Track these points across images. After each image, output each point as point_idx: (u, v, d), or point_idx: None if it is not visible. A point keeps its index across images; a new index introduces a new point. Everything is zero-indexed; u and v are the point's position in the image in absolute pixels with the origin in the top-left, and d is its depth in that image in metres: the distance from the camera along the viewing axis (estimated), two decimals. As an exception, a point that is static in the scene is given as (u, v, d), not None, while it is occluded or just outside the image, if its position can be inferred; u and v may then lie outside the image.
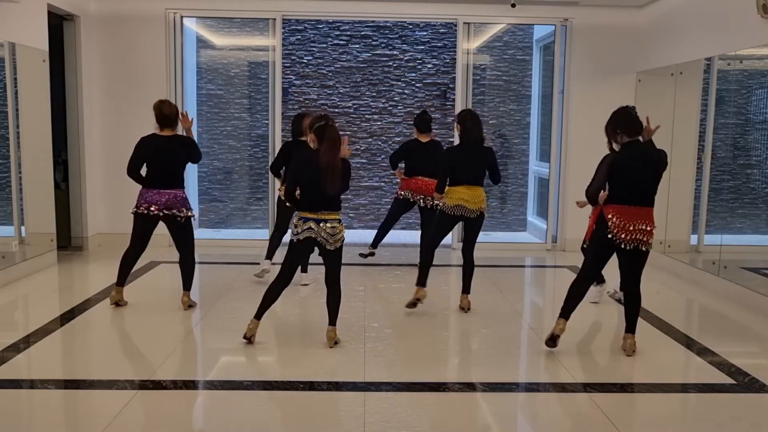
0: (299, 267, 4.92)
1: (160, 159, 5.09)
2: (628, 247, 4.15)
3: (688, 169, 6.91)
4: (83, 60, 7.37)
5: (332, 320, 4.45)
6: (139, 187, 5.17)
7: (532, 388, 3.94)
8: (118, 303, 5.27)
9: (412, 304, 5.22)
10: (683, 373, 4.33)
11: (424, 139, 6.43)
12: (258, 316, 4.44)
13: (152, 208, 5.04)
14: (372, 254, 6.90)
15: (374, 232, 6.94)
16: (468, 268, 5.39)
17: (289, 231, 4.50)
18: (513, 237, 9.04)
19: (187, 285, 5.27)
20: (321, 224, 4.29)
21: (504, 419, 3.59)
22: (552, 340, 4.32)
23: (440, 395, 3.77)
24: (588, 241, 4.79)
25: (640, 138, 4.24)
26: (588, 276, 4.42)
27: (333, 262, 4.43)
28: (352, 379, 3.94)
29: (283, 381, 3.95)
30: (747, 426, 3.52)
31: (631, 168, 4.16)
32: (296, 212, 4.46)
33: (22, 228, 6.42)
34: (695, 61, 6.71)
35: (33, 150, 6.52)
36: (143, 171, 5.18)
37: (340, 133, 4.31)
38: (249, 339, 4.41)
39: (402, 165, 6.59)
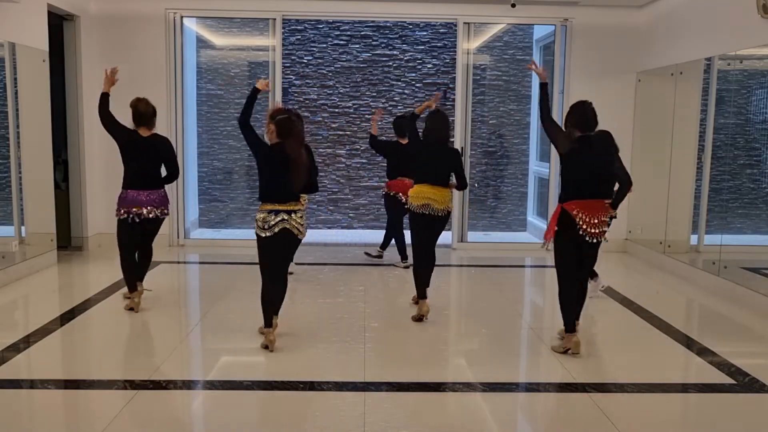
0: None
1: (142, 158, 5.04)
2: (594, 240, 4.24)
3: (688, 169, 6.91)
4: (83, 60, 7.37)
5: (276, 310, 4.44)
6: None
7: (532, 388, 3.94)
8: (133, 309, 5.12)
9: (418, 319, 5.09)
10: (683, 373, 4.33)
11: (404, 141, 6.67)
12: (269, 322, 4.42)
13: (139, 212, 4.96)
14: (380, 256, 7.11)
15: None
16: (430, 264, 5.20)
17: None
18: (513, 237, 9.04)
19: (141, 276, 5.24)
20: (292, 215, 4.32)
21: (504, 419, 3.59)
22: (564, 353, 4.37)
23: (440, 395, 3.77)
24: (551, 241, 4.49)
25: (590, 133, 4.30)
26: (569, 279, 4.40)
27: (292, 252, 4.60)
28: (352, 379, 3.94)
29: (283, 381, 3.95)
30: (747, 426, 3.52)
31: (584, 163, 4.24)
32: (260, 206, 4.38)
33: (22, 228, 6.42)
34: (695, 61, 6.71)
35: (33, 150, 6.52)
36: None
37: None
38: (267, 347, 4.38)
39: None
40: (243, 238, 8.30)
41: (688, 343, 4.76)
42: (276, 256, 4.41)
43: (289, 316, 5.19)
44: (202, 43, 8.70)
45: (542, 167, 8.74)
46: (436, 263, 5.32)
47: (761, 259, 6.37)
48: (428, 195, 4.97)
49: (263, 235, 4.31)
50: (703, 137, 6.71)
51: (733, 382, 3.99)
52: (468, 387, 3.88)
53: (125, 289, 5.27)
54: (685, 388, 4.03)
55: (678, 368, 4.38)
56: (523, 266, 7.52)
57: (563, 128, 4.49)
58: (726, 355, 4.40)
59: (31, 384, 3.93)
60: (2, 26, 5.94)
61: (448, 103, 9.13)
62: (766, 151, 6.31)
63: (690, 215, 6.94)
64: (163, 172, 5.26)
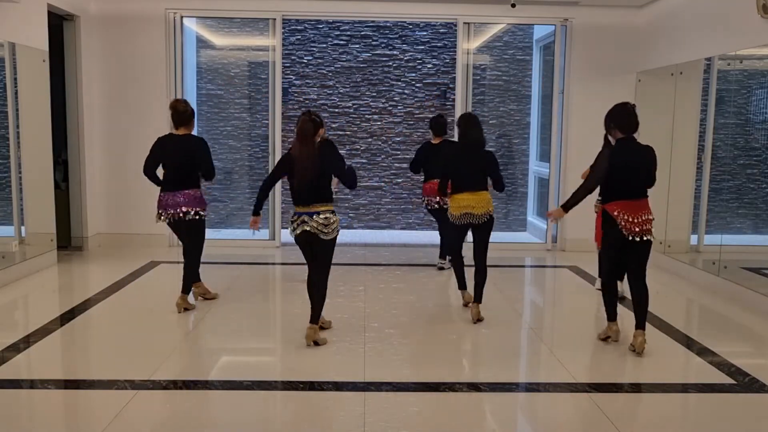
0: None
1: (175, 159, 5.11)
2: (639, 239, 4.24)
3: (688, 169, 6.91)
4: (83, 60, 7.37)
5: (314, 318, 4.48)
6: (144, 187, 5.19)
7: (532, 388, 3.94)
8: (177, 303, 5.22)
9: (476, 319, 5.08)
10: (683, 373, 4.33)
11: (435, 141, 6.58)
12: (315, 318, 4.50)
13: (170, 213, 5.07)
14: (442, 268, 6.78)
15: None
16: (479, 277, 5.07)
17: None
18: (513, 237, 9.04)
19: (185, 287, 5.24)
20: (314, 216, 4.35)
21: (504, 419, 3.59)
22: (606, 339, 4.61)
23: (440, 395, 3.77)
24: (600, 244, 4.65)
25: (635, 135, 4.33)
26: (611, 271, 4.51)
27: (324, 253, 4.46)
28: (352, 379, 3.94)
29: (283, 381, 3.95)
30: (747, 426, 3.52)
31: (626, 164, 4.26)
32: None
33: (22, 228, 6.42)
34: (695, 61, 6.71)
35: (33, 150, 6.52)
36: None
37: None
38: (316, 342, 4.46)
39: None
40: (243, 238, 8.32)
41: (688, 343, 4.76)
42: (306, 254, 4.54)
43: (290, 316, 5.20)
44: (202, 43, 8.70)
45: (542, 167, 8.74)
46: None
47: (761, 259, 6.37)
48: (469, 203, 4.93)
49: (292, 236, 4.48)
50: (703, 137, 6.71)
51: (733, 382, 3.99)
52: (468, 387, 3.87)
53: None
54: (685, 388, 4.03)
55: (678, 368, 4.38)
56: (523, 266, 7.52)
57: (605, 128, 4.50)
58: (726, 355, 4.40)
59: (31, 384, 3.93)
60: (2, 26, 5.94)
61: (448, 104, 9.14)
62: (766, 151, 6.31)
63: (690, 215, 6.94)
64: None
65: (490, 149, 5.37)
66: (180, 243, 5.48)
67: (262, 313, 5.45)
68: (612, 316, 4.53)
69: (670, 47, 7.12)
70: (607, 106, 4.49)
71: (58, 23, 7.19)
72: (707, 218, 6.72)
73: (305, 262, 4.59)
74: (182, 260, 5.29)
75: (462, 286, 5.37)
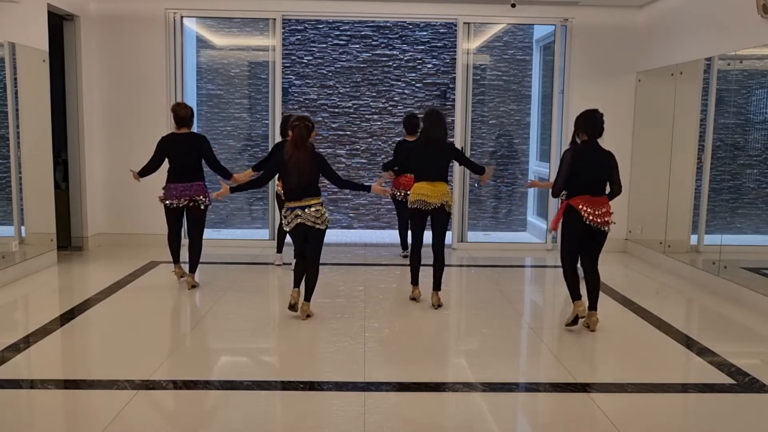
0: (282, 246, 6.72)
1: (179, 154, 5.74)
2: (602, 229, 4.75)
3: (688, 169, 6.91)
4: (83, 60, 7.37)
5: (307, 296, 5.07)
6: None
7: (532, 388, 3.94)
8: (183, 276, 5.98)
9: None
10: (683, 373, 4.33)
11: (411, 139, 7.07)
12: (297, 284, 5.11)
13: (176, 202, 5.72)
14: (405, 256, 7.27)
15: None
16: (438, 265, 5.46)
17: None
18: (513, 237, 9.05)
19: (192, 267, 5.86)
20: (306, 210, 4.90)
21: (504, 419, 3.59)
22: (575, 322, 4.88)
23: (440, 395, 3.77)
24: (558, 231, 5.17)
25: (598, 140, 4.82)
26: (572, 258, 4.93)
27: (316, 241, 5.02)
28: (352, 379, 3.94)
29: (283, 381, 3.95)
30: (747, 426, 3.52)
31: (588, 164, 4.76)
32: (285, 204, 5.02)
33: (22, 228, 6.42)
34: (695, 61, 6.71)
35: (33, 150, 6.52)
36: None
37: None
38: (293, 306, 5.05)
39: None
40: (243, 238, 8.32)
41: (688, 343, 4.76)
42: (298, 244, 5.09)
43: (290, 316, 5.19)
44: (202, 43, 8.70)
45: (542, 167, 8.74)
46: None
47: (761, 259, 6.36)
48: (424, 191, 5.29)
49: (287, 229, 5.01)
50: (703, 137, 6.70)
51: (733, 382, 3.99)
52: (468, 387, 3.87)
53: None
54: (685, 388, 4.03)
55: (678, 368, 4.38)
56: (523, 266, 7.52)
57: (574, 129, 4.94)
58: (726, 355, 4.40)
59: (31, 384, 3.93)
60: (2, 26, 5.94)
61: (448, 104, 9.14)
62: (766, 151, 6.31)
63: (690, 215, 6.94)
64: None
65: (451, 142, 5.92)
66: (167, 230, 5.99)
67: (262, 313, 5.45)
68: (577, 296, 4.90)
69: (670, 47, 7.12)
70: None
71: (58, 23, 7.19)
72: (707, 218, 6.72)
73: (296, 252, 5.11)
74: (181, 260, 5.34)
75: (415, 281, 5.61)
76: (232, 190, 5.17)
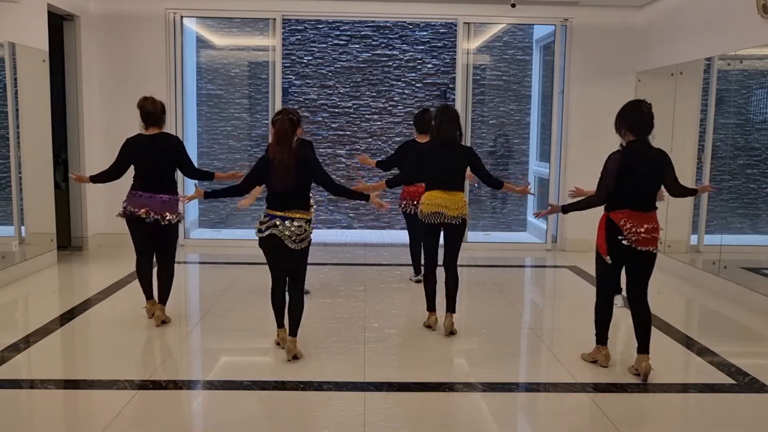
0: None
1: (146, 160, 4.68)
2: (644, 249, 3.85)
3: (688, 169, 6.91)
4: (83, 60, 7.37)
5: (292, 331, 4.16)
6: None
7: (532, 388, 3.94)
8: (155, 315, 4.83)
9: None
10: (683, 373, 4.33)
11: (421, 140, 5.87)
12: (280, 324, 4.32)
13: (137, 211, 4.61)
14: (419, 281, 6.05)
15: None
16: (451, 283, 4.75)
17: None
18: (513, 237, 9.05)
19: (162, 297, 4.85)
20: (286, 222, 4.01)
21: (504, 419, 3.59)
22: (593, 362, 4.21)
23: (440, 395, 3.77)
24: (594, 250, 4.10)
25: (649, 138, 3.86)
26: (608, 284, 4.08)
27: (298, 265, 4.11)
28: (352, 379, 3.94)
29: (283, 381, 3.95)
30: (747, 426, 3.52)
31: (635, 171, 3.82)
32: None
33: (22, 228, 6.42)
34: (695, 61, 6.71)
35: (33, 150, 6.52)
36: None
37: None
38: (279, 344, 4.35)
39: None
40: (243, 238, 8.32)
41: (688, 343, 4.76)
42: (272, 262, 4.17)
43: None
44: (202, 43, 8.70)
45: (542, 167, 8.74)
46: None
47: (761, 259, 6.37)
48: (440, 202, 4.56)
49: (258, 236, 4.12)
50: (703, 137, 6.70)
51: (733, 382, 3.99)
52: (468, 387, 3.87)
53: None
54: (685, 388, 4.03)
55: (678, 368, 4.38)
56: (523, 266, 7.52)
57: (616, 130, 3.99)
58: (726, 355, 4.40)
59: (31, 384, 3.93)
60: (2, 26, 5.94)
61: (448, 104, 9.13)
62: (766, 151, 6.31)
63: (690, 215, 6.94)
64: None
65: (468, 145, 4.98)
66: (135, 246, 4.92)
67: (261, 314, 5.44)
68: (603, 339, 4.13)
69: (670, 47, 7.12)
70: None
71: (58, 23, 7.19)
72: (707, 218, 6.72)
73: (271, 271, 4.21)
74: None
75: (431, 307, 4.90)
76: (206, 195, 4.33)
